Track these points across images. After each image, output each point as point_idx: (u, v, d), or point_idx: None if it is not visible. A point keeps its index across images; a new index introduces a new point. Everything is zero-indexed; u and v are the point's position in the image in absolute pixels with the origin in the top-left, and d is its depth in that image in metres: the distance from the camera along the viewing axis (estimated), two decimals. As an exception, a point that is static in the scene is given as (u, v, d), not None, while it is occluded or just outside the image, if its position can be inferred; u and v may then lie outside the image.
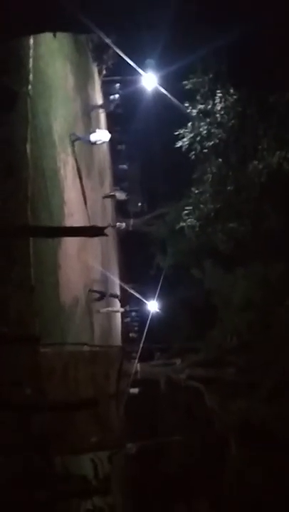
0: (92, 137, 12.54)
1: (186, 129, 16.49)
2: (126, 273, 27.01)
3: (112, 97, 18.59)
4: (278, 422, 15.03)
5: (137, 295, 21.52)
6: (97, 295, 13.65)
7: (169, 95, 16.30)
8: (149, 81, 16.91)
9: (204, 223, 17.25)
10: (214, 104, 16.00)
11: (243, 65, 15.69)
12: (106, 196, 19.37)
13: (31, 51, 7.82)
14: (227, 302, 17.96)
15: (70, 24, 6.15)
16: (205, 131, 16.18)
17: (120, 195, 21.12)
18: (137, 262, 26.93)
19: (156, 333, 20.49)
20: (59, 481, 5.95)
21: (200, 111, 16.32)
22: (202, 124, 16.23)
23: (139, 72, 16.00)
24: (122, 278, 25.29)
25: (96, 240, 13.39)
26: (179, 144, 16.60)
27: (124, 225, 22.46)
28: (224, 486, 16.32)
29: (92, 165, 15.27)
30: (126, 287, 23.16)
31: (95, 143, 12.70)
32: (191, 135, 16.37)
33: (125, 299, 25.07)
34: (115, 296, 15.99)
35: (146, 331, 18.80)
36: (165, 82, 16.86)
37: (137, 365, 18.79)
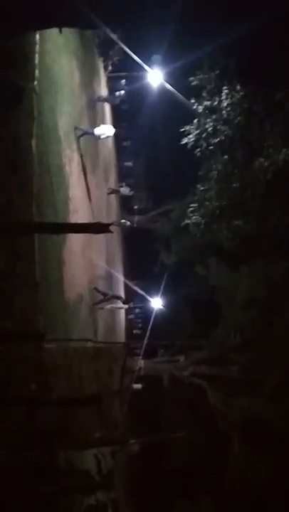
0: (97, 131, 12.52)
1: (192, 125, 16.43)
2: (130, 270, 27.03)
3: (117, 93, 18.50)
4: (281, 420, 15.03)
5: (141, 292, 21.53)
6: (101, 296, 13.66)
7: (175, 91, 16.23)
8: (155, 77, 16.84)
9: (209, 220, 17.21)
10: (220, 101, 15.92)
11: (250, 62, 15.59)
12: (111, 191, 19.35)
13: (37, 47, 7.80)
14: (231, 300, 17.94)
15: (76, 20, 6.12)
16: (211, 128, 16.11)
17: (125, 190, 21.08)
18: (142, 258, 26.92)
19: (160, 330, 20.50)
20: (63, 475, 5.99)
21: (206, 107, 16.24)
22: (208, 120, 16.16)
23: (145, 69, 15.93)
24: (127, 275, 25.32)
25: (101, 236, 13.39)
26: (185, 140, 16.55)
27: (128, 222, 22.44)
28: (227, 483, 16.36)
29: (97, 161, 15.26)
30: (130, 284, 23.17)
31: (99, 137, 12.68)
32: (197, 132, 16.31)
33: (129, 295, 25.09)
34: (118, 298, 16.04)
35: (150, 327, 18.82)
36: (171, 78, 16.79)
37: (140, 362, 18.83)
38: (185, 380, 18.92)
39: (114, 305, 16.02)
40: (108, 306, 15.13)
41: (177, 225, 21.20)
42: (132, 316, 27.80)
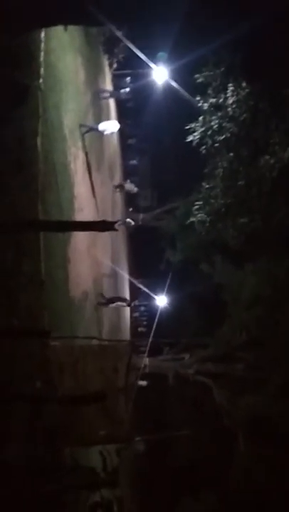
0: (101, 126, 12.50)
1: (197, 123, 16.36)
2: (135, 267, 27.05)
3: (122, 90, 18.48)
4: (286, 419, 14.98)
5: (146, 290, 21.54)
6: (105, 301, 13.69)
7: (180, 89, 16.17)
8: (160, 74, 16.77)
9: (214, 218, 17.16)
10: (226, 98, 15.84)
11: (256, 59, 15.49)
12: (116, 187, 19.36)
13: (42, 45, 7.80)
14: (236, 298, 17.89)
15: (81, 17, 6.11)
16: (216, 126, 16.04)
17: (130, 186, 21.07)
18: (147, 256, 26.93)
19: (165, 327, 20.49)
20: (68, 472, 6.02)
21: (211, 105, 16.17)
22: (213, 118, 16.09)
23: (150, 66, 15.88)
24: (132, 272, 25.33)
25: (106, 234, 13.40)
26: (190, 138, 16.49)
27: (133, 222, 22.45)
28: (231, 481, 16.36)
29: (102, 159, 15.26)
30: (135, 282, 23.18)
31: (103, 132, 12.66)
32: (202, 129, 16.24)
33: (134, 293, 25.12)
34: (123, 300, 16.06)
35: (154, 325, 18.81)
36: (176, 75, 16.72)
37: (145, 360, 18.84)
38: (190, 377, 18.91)
39: (119, 302, 16.06)
40: (113, 304, 15.16)
41: (182, 222, 21.15)
42: (136, 314, 27.83)
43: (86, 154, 11.60)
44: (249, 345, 17.30)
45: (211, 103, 16.12)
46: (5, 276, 5.92)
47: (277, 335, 16.09)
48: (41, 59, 7.76)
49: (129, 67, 19.78)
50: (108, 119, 16.66)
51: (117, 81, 20.03)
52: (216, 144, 16.35)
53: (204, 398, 18.47)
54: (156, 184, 28.69)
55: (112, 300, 14.33)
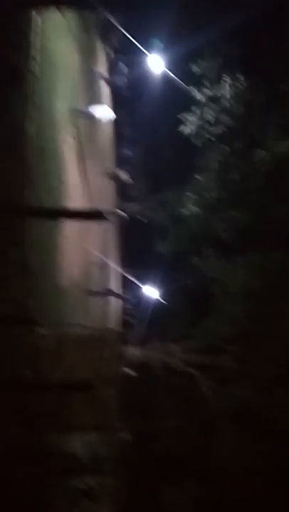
0: (94, 112, 12.36)
1: (193, 114, 16.28)
2: (125, 257, 26.99)
3: (117, 78, 18.25)
4: (272, 412, 15.22)
5: (135, 280, 21.55)
6: (94, 288, 13.66)
7: (176, 79, 16.01)
8: (156, 63, 16.57)
9: (206, 211, 17.18)
10: (222, 90, 15.77)
11: (253, 52, 15.42)
12: (108, 175, 19.23)
13: (36, 27, 7.63)
14: (226, 290, 18.00)
15: (78, 0, 5.99)
16: (211, 118, 15.98)
17: (122, 175, 20.95)
18: (137, 247, 26.88)
19: (154, 318, 20.58)
20: (52, 458, 6.05)
21: (207, 96, 16.08)
22: (209, 110, 16.02)
23: (145, 54, 15.68)
24: (122, 262, 25.28)
25: (96, 223, 13.31)
26: (185, 129, 16.41)
27: (125, 215, 22.39)
28: (215, 471, 16.63)
29: (94, 147, 15.10)
30: (124, 272, 23.16)
31: (96, 117, 12.53)
32: (198, 121, 16.17)
33: (124, 283, 25.09)
34: (113, 294, 16.07)
35: (143, 316, 18.88)
36: (172, 65, 16.56)
37: (133, 349, 18.93)
38: (177, 368, 19.05)
39: (109, 295, 16.04)
40: (102, 289, 15.14)
41: (174, 214, 21.15)
42: (125, 304, 27.84)
43: (78, 141, 11.46)
44: (237, 337, 17.46)
45: (206, 95, 16.04)
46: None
47: (266, 328, 16.26)
48: (35, 41, 7.59)
49: (125, 55, 19.51)
50: (102, 106, 16.46)
51: (112, 68, 19.76)
52: (211, 137, 16.30)
53: (191, 389, 18.65)
54: (149, 174, 28.54)
55: (102, 293, 14.30)
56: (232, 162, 16.40)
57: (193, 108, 16.22)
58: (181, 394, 19.25)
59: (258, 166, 15.48)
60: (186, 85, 16.25)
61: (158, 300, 21.22)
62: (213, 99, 16.00)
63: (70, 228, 10.11)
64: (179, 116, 16.52)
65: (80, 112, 11.51)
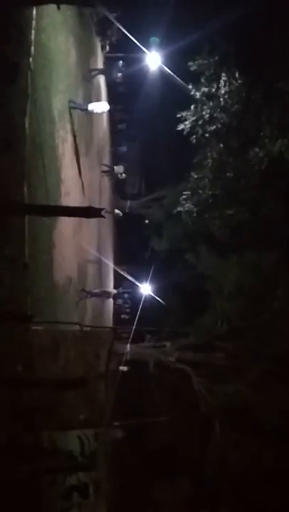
0: (91, 106, 12.32)
1: (189, 111, 16.26)
2: (121, 254, 27.02)
3: (114, 74, 18.18)
4: (262, 408, 15.36)
5: (130, 277, 21.58)
6: (89, 288, 13.65)
7: (173, 75, 15.99)
8: (153, 60, 16.54)
9: (202, 209, 17.21)
10: (218, 88, 15.75)
11: (250, 50, 15.42)
12: (104, 172, 19.18)
13: (34, 23, 7.58)
14: (219, 288, 18.09)
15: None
16: (208, 115, 15.97)
17: (118, 170, 20.88)
18: (132, 244, 26.91)
19: (148, 315, 20.64)
20: (45, 455, 6.06)
21: (204, 94, 16.07)
22: (205, 107, 16.01)
23: (143, 50, 15.63)
24: (117, 259, 25.32)
25: (92, 220, 13.30)
26: (181, 126, 16.39)
27: (121, 213, 22.37)
28: (206, 466, 16.77)
29: (91, 143, 15.05)
30: (120, 269, 23.18)
31: (92, 111, 12.48)
32: (194, 118, 16.16)
33: (118, 280, 25.12)
34: (108, 294, 16.05)
35: (138, 313, 18.91)
36: (169, 62, 16.53)
37: (127, 347, 18.98)
38: (170, 365, 19.14)
39: (103, 289, 16.05)
40: (97, 291, 15.16)
41: (169, 211, 21.17)
42: (120, 301, 27.89)
43: (75, 138, 11.42)
44: (230, 335, 17.57)
45: (203, 92, 16.03)
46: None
47: (258, 326, 16.37)
48: (32, 37, 7.54)
49: (122, 51, 19.44)
50: (98, 101, 16.40)
51: (109, 64, 19.69)
52: (207, 134, 16.30)
53: (184, 385, 18.76)
54: (145, 171, 28.54)
55: (96, 294, 14.31)
56: (227, 160, 16.43)
57: (189, 104, 16.21)
58: (175, 390, 19.35)
59: (252, 164, 15.51)
60: (183, 81, 16.24)
61: (152, 297, 21.27)
62: (210, 97, 15.99)
63: (66, 225, 10.09)
64: (175, 112, 16.50)
65: (77, 108, 11.47)
